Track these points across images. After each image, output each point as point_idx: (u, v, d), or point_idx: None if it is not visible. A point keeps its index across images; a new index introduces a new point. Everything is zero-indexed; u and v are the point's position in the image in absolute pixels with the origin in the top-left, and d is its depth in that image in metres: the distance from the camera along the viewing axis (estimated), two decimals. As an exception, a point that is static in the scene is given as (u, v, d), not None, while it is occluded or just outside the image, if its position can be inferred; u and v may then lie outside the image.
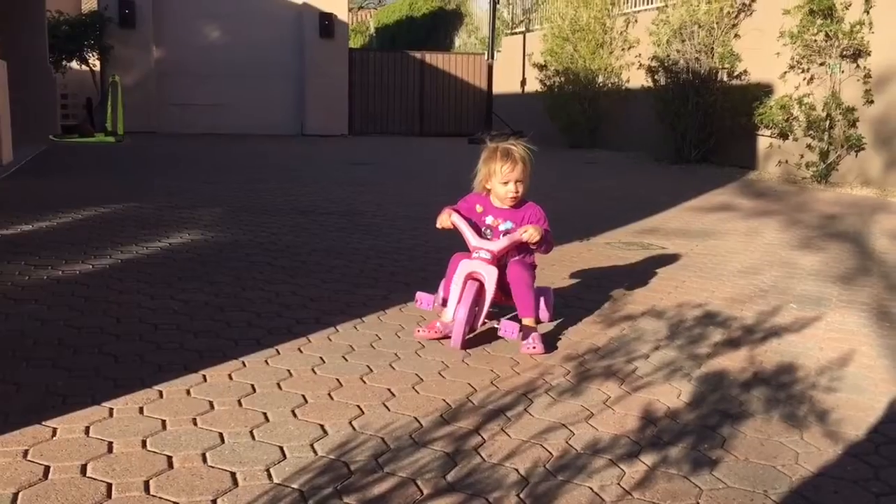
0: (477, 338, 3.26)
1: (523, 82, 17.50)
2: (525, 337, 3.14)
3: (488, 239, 3.29)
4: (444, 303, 3.27)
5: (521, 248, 3.31)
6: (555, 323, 3.51)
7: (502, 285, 3.23)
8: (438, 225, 3.30)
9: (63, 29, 15.32)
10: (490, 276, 3.16)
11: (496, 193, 3.30)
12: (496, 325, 3.23)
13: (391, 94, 19.41)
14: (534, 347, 3.09)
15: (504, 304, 3.40)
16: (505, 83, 17.96)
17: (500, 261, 3.22)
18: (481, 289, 3.16)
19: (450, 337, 3.17)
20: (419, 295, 3.36)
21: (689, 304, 3.97)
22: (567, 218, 6.67)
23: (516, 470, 2.13)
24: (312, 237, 5.48)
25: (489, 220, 3.34)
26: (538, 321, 3.29)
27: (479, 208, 3.35)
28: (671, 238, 5.88)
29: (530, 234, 3.17)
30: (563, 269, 4.68)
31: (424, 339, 3.25)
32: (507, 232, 3.29)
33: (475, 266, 3.18)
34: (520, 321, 3.22)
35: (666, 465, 2.20)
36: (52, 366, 2.79)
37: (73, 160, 10.72)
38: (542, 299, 3.36)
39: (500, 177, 3.24)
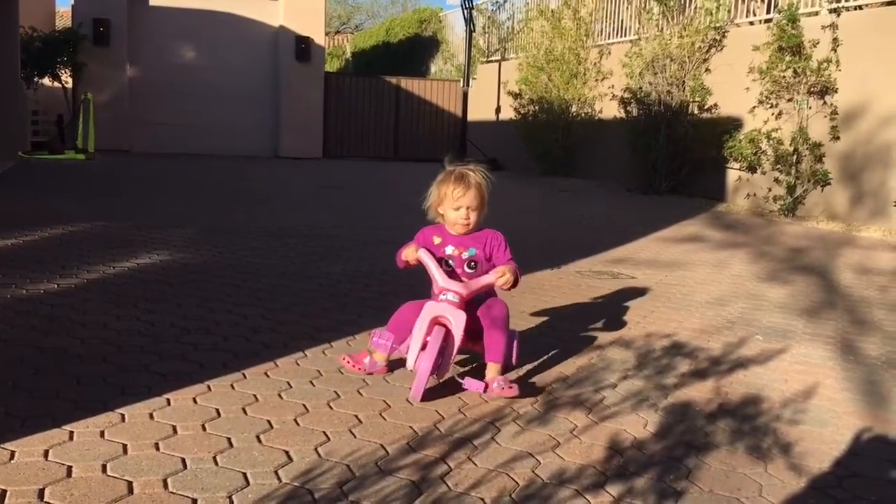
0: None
1: (498, 110, 17.64)
2: (492, 381, 2.92)
3: (449, 270, 3.06)
4: (377, 347, 3.02)
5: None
6: (523, 357, 3.51)
7: (469, 328, 2.98)
8: (403, 258, 3.05)
9: (36, 45, 15.18)
10: (458, 321, 2.89)
11: (447, 219, 3.08)
12: (460, 381, 2.95)
13: (367, 119, 19.45)
14: (509, 388, 2.87)
15: (470, 349, 3.18)
16: (480, 110, 18.10)
17: (468, 303, 2.99)
18: (448, 335, 2.89)
19: (372, 374, 3.06)
20: (376, 336, 3.04)
21: (658, 334, 4.00)
22: (538, 246, 6.70)
23: (482, 499, 2.12)
24: (283, 260, 5.45)
25: (449, 249, 3.09)
26: (506, 368, 3.08)
27: (436, 240, 3.11)
28: (641, 268, 5.93)
29: (506, 278, 2.94)
30: (533, 297, 4.70)
31: (348, 370, 3.08)
32: (470, 260, 3.07)
33: (442, 310, 2.90)
34: (485, 366, 3.03)
35: (632, 496, 2.20)
36: (12, 387, 2.73)
37: (42, 177, 10.58)
38: (513, 343, 3.12)
39: (451, 201, 3.03)
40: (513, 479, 2.25)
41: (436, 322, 2.91)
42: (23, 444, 2.26)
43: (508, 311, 3.08)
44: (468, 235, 3.09)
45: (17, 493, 1.99)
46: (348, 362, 3.10)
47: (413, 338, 2.90)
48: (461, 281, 3.02)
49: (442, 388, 2.97)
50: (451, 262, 3.08)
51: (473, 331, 3.01)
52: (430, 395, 2.85)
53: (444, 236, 3.11)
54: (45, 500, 1.96)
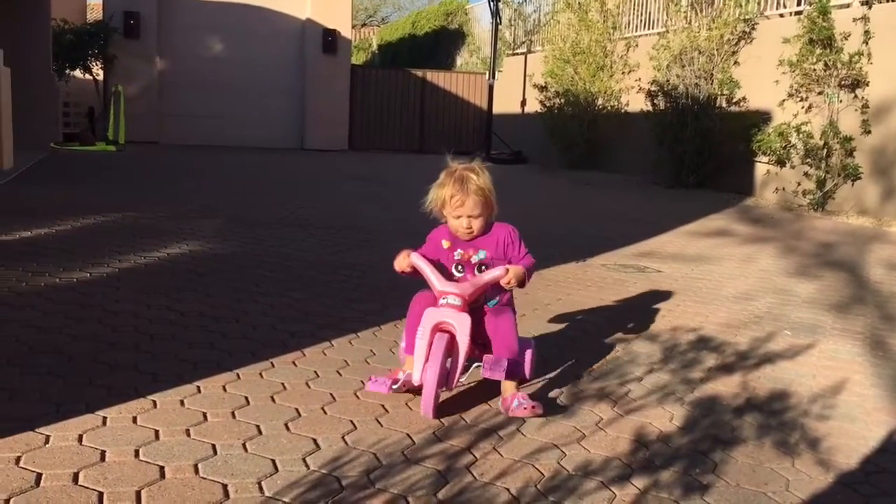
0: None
1: (523, 103, 17.59)
2: (511, 398, 2.69)
3: (461, 276, 2.83)
4: (408, 351, 2.79)
5: (497, 285, 2.82)
6: (546, 350, 3.51)
7: (477, 335, 2.73)
8: (396, 268, 2.83)
9: (67, 38, 15.37)
10: (462, 325, 2.65)
11: (451, 226, 2.84)
12: (479, 364, 2.74)
13: (392, 111, 19.48)
14: (532, 407, 2.63)
15: (480, 359, 2.88)
16: (505, 103, 18.05)
17: (472, 304, 2.75)
18: (452, 342, 2.66)
19: (415, 392, 2.72)
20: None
21: (684, 328, 3.99)
22: (563, 239, 6.69)
23: (507, 489, 2.14)
24: (310, 251, 5.49)
25: (458, 254, 2.85)
26: (521, 381, 2.85)
27: (445, 243, 2.87)
28: (667, 262, 5.90)
29: (509, 278, 2.71)
30: (558, 290, 4.70)
31: (379, 392, 2.74)
32: (481, 263, 2.83)
33: (443, 315, 2.67)
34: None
35: (657, 488, 2.20)
36: (46, 373, 2.79)
37: (74, 168, 10.74)
38: (526, 353, 2.90)
39: (450, 209, 2.79)
40: (538, 471, 2.26)
41: (438, 329, 2.67)
42: (58, 429, 2.31)
43: (515, 320, 2.84)
44: (477, 238, 2.85)
45: (53, 476, 2.03)
46: (380, 386, 2.75)
47: (416, 349, 2.68)
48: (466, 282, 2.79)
49: (466, 384, 2.91)
50: (461, 267, 2.85)
51: (484, 336, 2.81)
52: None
53: (453, 240, 2.87)
54: (79, 483, 2.01)
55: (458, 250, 2.85)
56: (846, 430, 2.73)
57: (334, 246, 5.74)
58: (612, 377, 3.15)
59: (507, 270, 2.72)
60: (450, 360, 2.68)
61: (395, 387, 2.72)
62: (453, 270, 2.84)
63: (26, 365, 2.86)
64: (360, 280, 4.66)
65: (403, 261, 2.80)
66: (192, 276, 4.51)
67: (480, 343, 2.80)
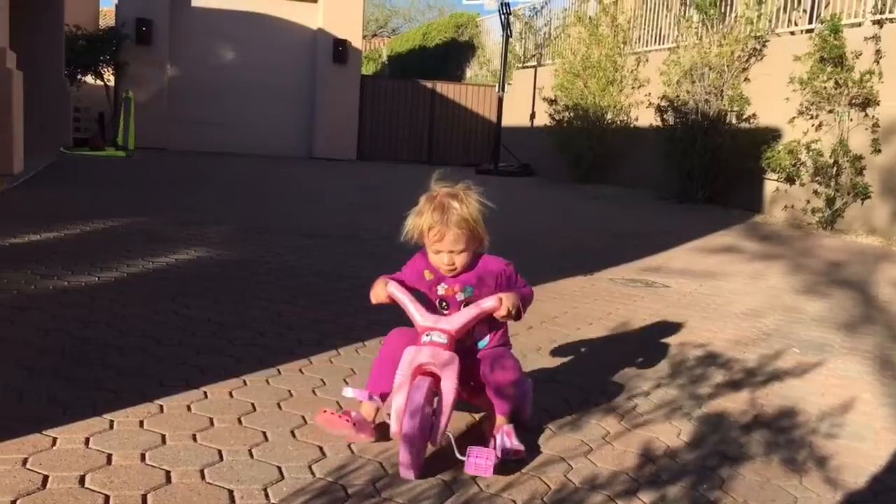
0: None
1: (533, 116, 17.62)
2: (496, 430, 2.42)
3: (446, 313, 2.46)
4: (373, 397, 2.37)
5: (490, 319, 2.45)
6: (550, 362, 3.49)
7: (464, 374, 2.33)
8: (373, 300, 2.48)
9: (80, 43, 15.48)
10: (449, 368, 2.26)
11: (431, 260, 2.48)
12: (461, 458, 2.22)
13: (401, 122, 19.53)
14: (516, 451, 2.35)
15: (468, 402, 2.59)
16: (514, 116, 18.08)
17: (461, 343, 2.39)
18: (436, 386, 2.26)
19: (363, 434, 2.37)
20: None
21: (691, 343, 3.97)
22: (570, 252, 6.69)
23: (513, 501, 2.13)
24: (317, 260, 5.50)
25: (442, 288, 2.49)
26: (522, 425, 2.56)
27: (427, 275, 2.50)
28: (675, 277, 5.89)
29: (504, 308, 2.34)
30: (565, 303, 4.69)
31: (325, 427, 2.39)
32: (467, 301, 2.44)
33: (427, 355, 2.27)
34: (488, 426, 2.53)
35: (664, 503, 2.19)
36: (53, 376, 2.79)
37: (84, 173, 10.78)
38: (525, 398, 2.61)
39: (429, 242, 2.42)
40: (545, 483, 2.25)
41: (420, 371, 2.28)
42: (64, 432, 2.32)
43: (516, 364, 2.47)
44: (463, 273, 2.48)
45: (59, 478, 2.03)
46: (329, 420, 2.38)
47: (394, 395, 2.26)
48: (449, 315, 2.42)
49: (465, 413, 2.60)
50: (445, 303, 2.49)
51: (470, 383, 2.44)
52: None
53: (437, 272, 2.49)
54: (85, 485, 2.01)
55: (443, 284, 2.49)
56: (854, 449, 2.71)
57: (342, 255, 5.75)
58: (619, 391, 3.14)
59: (501, 300, 2.35)
60: (433, 407, 2.25)
61: (338, 426, 2.36)
62: (437, 306, 2.50)
63: (34, 367, 2.86)
64: (366, 289, 4.65)
65: (381, 291, 2.45)
66: (200, 282, 4.52)
67: (469, 384, 2.42)
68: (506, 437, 2.40)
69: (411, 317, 2.40)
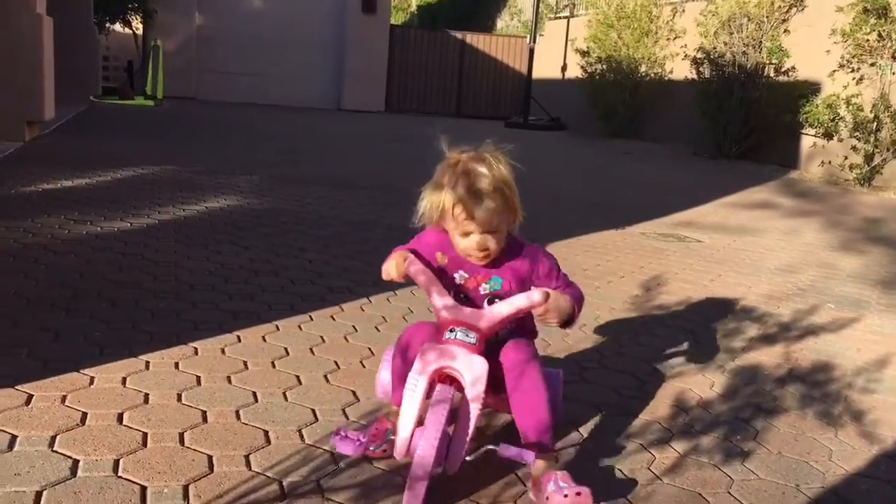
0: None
1: (564, 68, 17.34)
2: (545, 481, 1.80)
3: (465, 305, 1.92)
4: (390, 396, 2.08)
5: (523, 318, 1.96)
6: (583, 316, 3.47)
7: (492, 378, 1.82)
8: (384, 275, 2.00)
9: (109, -9, 15.42)
10: (476, 373, 1.77)
11: (456, 247, 1.97)
12: (494, 447, 1.76)
13: (430, 74, 19.33)
14: (577, 494, 1.72)
15: (492, 408, 2.18)
16: (545, 68, 17.80)
17: (488, 340, 1.87)
18: (459, 399, 1.79)
19: (390, 456, 1.83)
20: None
21: (725, 297, 3.93)
22: (602, 206, 6.62)
23: (546, 448, 2.12)
24: (347, 209, 5.49)
25: (460, 277, 1.99)
26: (554, 457, 1.91)
27: (441, 258, 2.01)
28: (708, 232, 5.81)
29: (547, 307, 1.86)
30: (597, 256, 4.65)
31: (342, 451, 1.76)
32: (494, 296, 1.96)
33: (449, 357, 1.79)
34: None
35: (697, 453, 2.18)
36: (90, 317, 2.82)
37: (113, 121, 10.83)
38: (557, 393, 2.15)
39: (454, 223, 1.92)
40: (578, 432, 2.25)
41: (440, 375, 1.81)
42: (102, 371, 2.34)
43: (541, 370, 1.91)
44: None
45: (98, 415, 2.06)
46: (346, 445, 1.74)
47: (404, 405, 1.78)
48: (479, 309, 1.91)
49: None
50: (463, 296, 1.98)
51: (498, 379, 1.90)
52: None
53: (454, 255, 2.00)
54: (123, 423, 2.03)
55: (461, 272, 1.99)
56: (892, 404, 2.68)
57: (373, 205, 5.73)
58: (651, 343, 3.11)
59: (548, 296, 1.86)
60: (453, 432, 1.80)
61: (372, 447, 1.81)
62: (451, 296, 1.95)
63: (70, 308, 2.90)
64: (399, 240, 4.63)
65: (396, 267, 1.97)
66: (231, 229, 4.53)
67: (492, 386, 1.84)
68: (560, 480, 1.78)
69: (433, 305, 1.90)
